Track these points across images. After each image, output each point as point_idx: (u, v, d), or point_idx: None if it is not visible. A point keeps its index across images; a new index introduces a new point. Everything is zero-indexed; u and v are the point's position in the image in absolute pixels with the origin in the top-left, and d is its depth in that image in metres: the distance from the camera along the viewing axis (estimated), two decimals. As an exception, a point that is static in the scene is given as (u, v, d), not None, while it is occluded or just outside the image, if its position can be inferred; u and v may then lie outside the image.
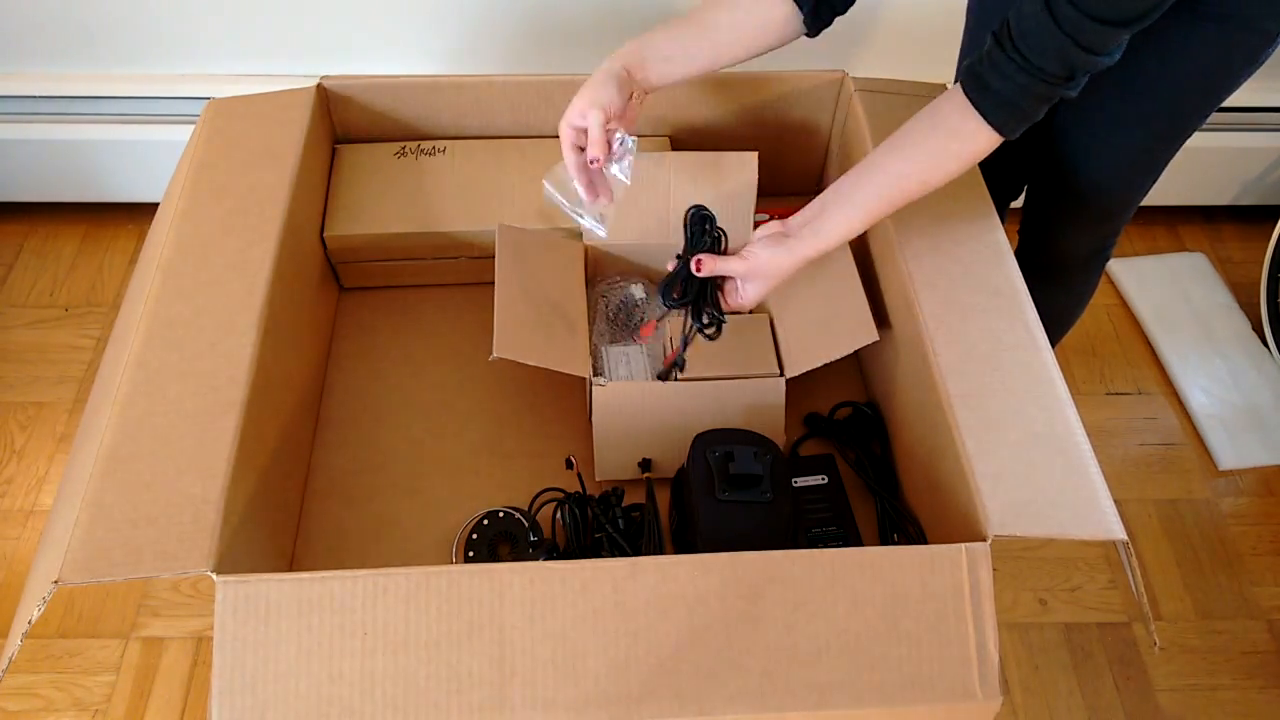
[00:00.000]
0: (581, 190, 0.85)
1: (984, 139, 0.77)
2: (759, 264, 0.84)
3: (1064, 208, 1.11)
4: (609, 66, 0.84)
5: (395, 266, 1.08)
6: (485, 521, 0.89)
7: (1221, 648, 1.32)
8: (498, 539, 0.89)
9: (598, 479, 0.94)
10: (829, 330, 0.93)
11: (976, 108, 0.76)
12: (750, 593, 0.70)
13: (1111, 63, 0.73)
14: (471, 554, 0.88)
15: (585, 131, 0.83)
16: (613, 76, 0.83)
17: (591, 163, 0.82)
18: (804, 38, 0.88)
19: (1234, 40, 0.87)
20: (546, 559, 0.81)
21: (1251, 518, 1.45)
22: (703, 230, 0.87)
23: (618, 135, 0.83)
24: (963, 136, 0.78)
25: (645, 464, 0.93)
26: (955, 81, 1.13)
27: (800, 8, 0.85)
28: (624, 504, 0.89)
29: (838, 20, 0.89)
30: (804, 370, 0.92)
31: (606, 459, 0.93)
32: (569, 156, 0.84)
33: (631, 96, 0.85)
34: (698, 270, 0.85)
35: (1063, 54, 0.71)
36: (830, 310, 0.95)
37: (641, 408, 0.91)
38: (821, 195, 0.84)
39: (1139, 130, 0.96)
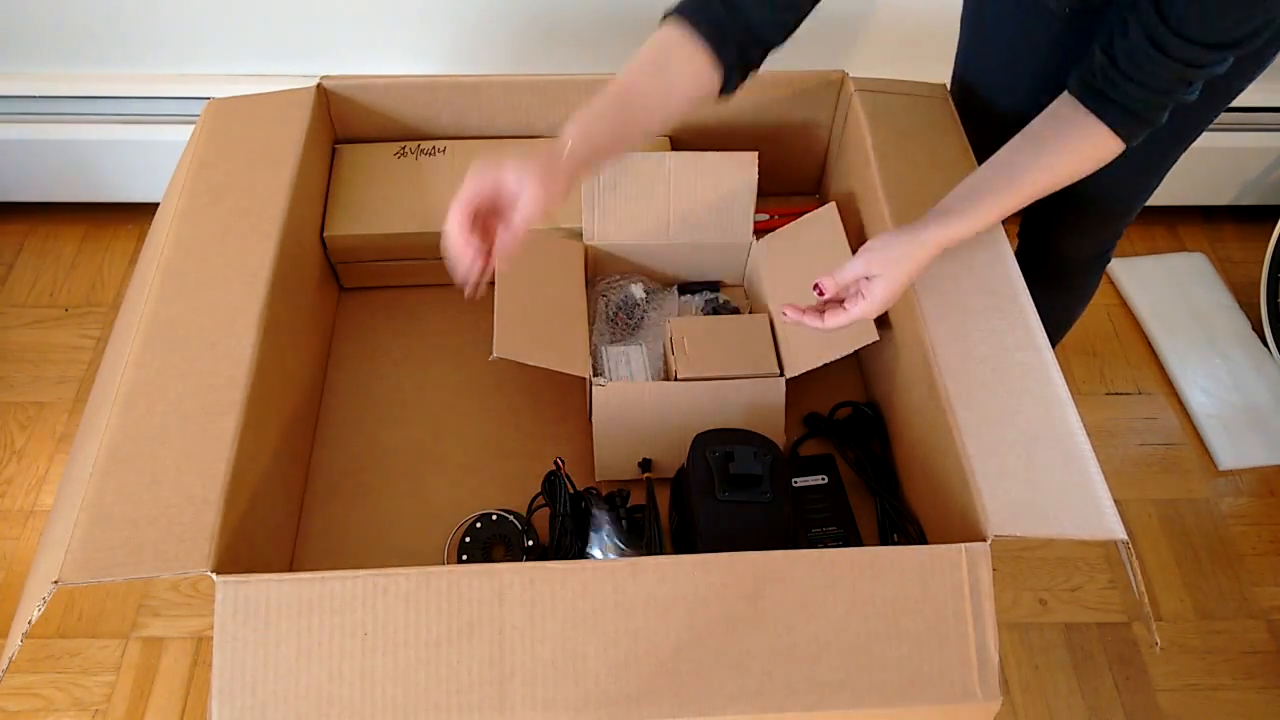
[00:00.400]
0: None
1: (1112, 145, 0.78)
2: (881, 260, 0.79)
3: (1066, 211, 1.10)
4: (560, 150, 0.73)
5: (395, 266, 1.08)
6: (479, 525, 0.89)
7: (1221, 648, 1.32)
8: (492, 542, 0.88)
9: (598, 479, 0.94)
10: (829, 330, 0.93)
11: (1103, 119, 0.77)
12: (750, 593, 0.70)
13: (1225, 69, 0.73)
14: (465, 557, 0.87)
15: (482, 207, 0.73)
16: (562, 166, 0.73)
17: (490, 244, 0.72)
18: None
19: None
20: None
21: (1251, 518, 1.45)
22: None
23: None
24: (1093, 141, 0.78)
25: (645, 464, 0.93)
26: (952, 95, 1.13)
27: (727, 78, 0.79)
28: (627, 505, 0.89)
29: (839, 20, 0.89)
30: (804, 370, 0.92)
31: (606, 459, 0.93)
32: (457, 231, 0.71)
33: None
34: (819, 294, 0.82)
35: (1178, 75, 0.72)
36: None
37: (641, 408, 0.91)
38: (948, 196, 0.81)
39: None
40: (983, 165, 0.81)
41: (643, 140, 0.80)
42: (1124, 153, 1.00)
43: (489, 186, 0.72)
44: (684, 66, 0.78)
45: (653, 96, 0.78)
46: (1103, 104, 0.76)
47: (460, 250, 0.72)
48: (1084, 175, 0.80)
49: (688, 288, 1.09)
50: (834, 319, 0.82)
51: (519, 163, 0.72)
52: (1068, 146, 0.79)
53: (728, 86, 0.80)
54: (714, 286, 1.10)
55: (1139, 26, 0.71)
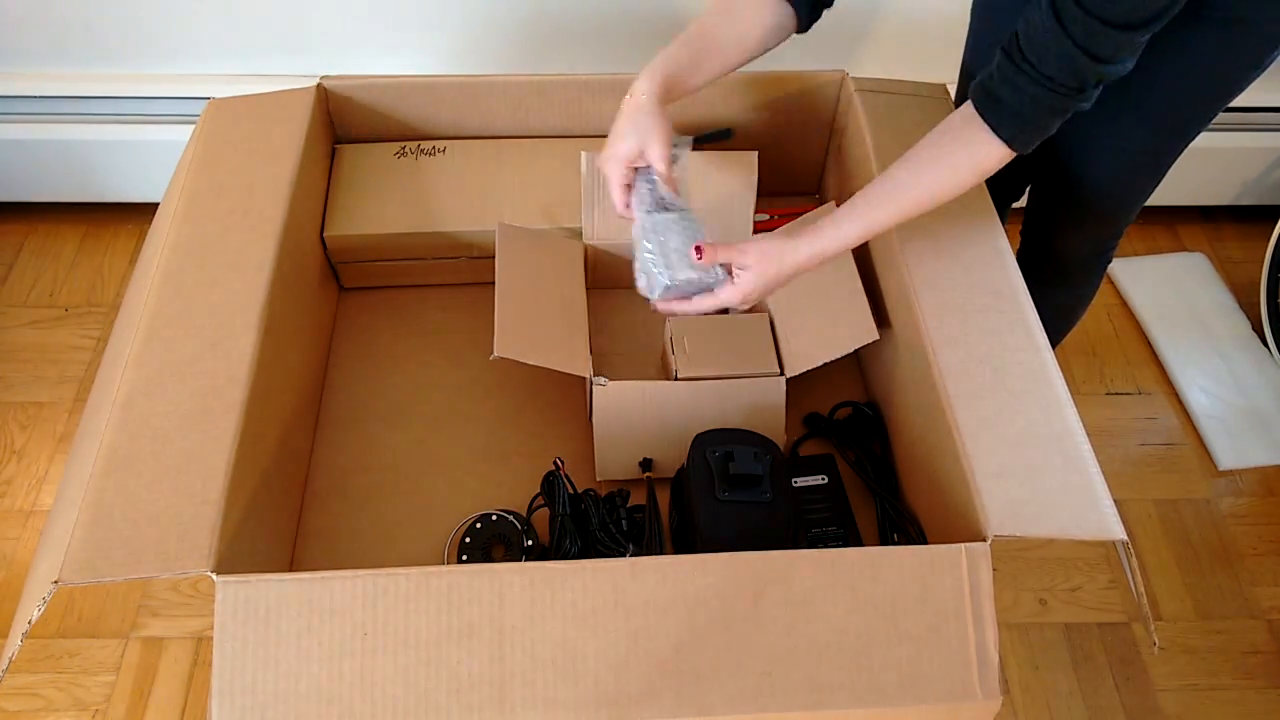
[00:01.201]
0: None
1: (996, 152, 0.77)
2: (754, 255, 0.82)
3: (1066, 210, 1.10)
4: (648, 99, 0.84)
5: (395, 266, 1.08)
6: (479, 525, 0.89)
7: (1221, 648, 1.32)
8: (491, 542, 0.88)
9: (598, 479, 0.94)
10: (829, 330, 0.93)
11: (986, 121, 0.76)
12: (750, 593, 0.70)
13: (1123, 72, 0.72)
14: (465, 558, 0.87)
15: (637, 169, 0.86)
16: (660, 109, 0.84)
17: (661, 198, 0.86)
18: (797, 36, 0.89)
19: (1238, 43, 0.86)
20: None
21: (1251, 518, 1.45)
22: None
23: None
24: (974, 149, 0.77)
25: (646, 464, 0.93)
26: (959, 89, 1.14)
27: (797, 10, 0.86)
28: (627, 505, 0.89)
29: (838, 20, 0.89)
30: (804, 370, 0.92)
31: (607, 459, 0.93)
32: (619, 196, 0.86)
33: None
34: (697, 258, 0.83)
35: (1071, 62, 0.71)
36: (830, 310, 0.95)
37: (642, 408, 0.91)
38: (844, 205, 0.83)
39: (1142, 133, 0.96)
40: (878, 177, 0.82)
41: (722, 73, 0.88)
42: (1117, 153, 1.00)
43: (623, 170, 0.86)
44: (758, 12, 0.86)
45: (729, 40, 0.87)
46: (991, 105, 0.75)
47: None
48: (970, 187, 0.80)
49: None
50: (701, 303, 0.86)
51: (628, 135, 0.84)
52: (951, 161, 0.79)
53: (803, 26, 0.87)
54: None
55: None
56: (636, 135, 0.83)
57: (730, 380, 0.92)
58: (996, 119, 0.75)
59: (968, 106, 0.78)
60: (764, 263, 0.82)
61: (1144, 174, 1.03)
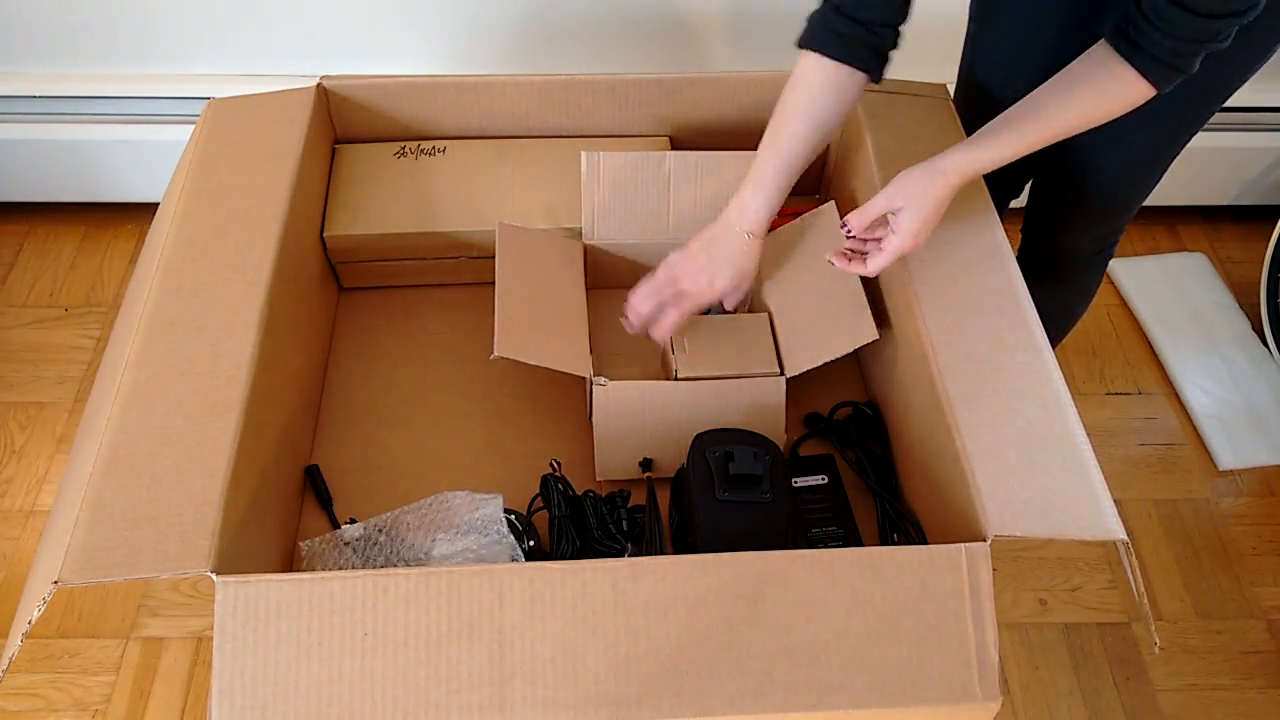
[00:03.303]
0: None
1: (1141, 89, 0.78)
2: (904, 191, 0.81)
3: (1069, 205, 1.10)
4: (741, 240, 0.90)
5: (395, 266, 1.08)
6: (484, 522, 0.89)
7: (1221, 648, 1.32)
8: (497, 539, 0.88)
9: (598, 479, 0.94)
10: (829, 329, 0.93)
11: (1131, 64, 0.77)
12: (750, 593, 0.70)
13: (1257, 13, 0.74)
14: (470, 555, 0.87)
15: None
16: (750, 249, 0.90)
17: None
18: None
19: (1244, 37, 0.87)
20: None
21: (1251, 518, 1.45)
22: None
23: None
24: (1124, 87, 0.78)
25: (646, 463, 0.93)
26: (958, 89, 1.13)
27: (869, 72, 0.85)
28: (627, 505, 0.89)
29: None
30: (804, 369, 0.92)
31: (607, 459, 0.93)
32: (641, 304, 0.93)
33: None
34: (849, 233, 0.84)
35: (1203, 29, 0.73)
36: (830, 309, 0.95)
37: (642, 408, 0.91)
38: (976, 133, 0.83)
39: (1147, 128, 0.96)
40: (1015, 104, 0.82)
41: (809, 160, 0.89)
42: (1122, 147, 1.00)
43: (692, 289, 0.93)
44: (834, 95, 0.85)
45: (816, 135, 0.87)
46: (1135, 52, 0.76)
47: (643, 317, 0.94)
48: (1114, 117, 0.81)
49: None
50: (875, 261, 0.85)
51: (726, 273, 0.92)
52: (1099, 90, 0.79)
53: (877, 78, 0.86)
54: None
55: None
56: (727, 280, 0.92)
57: (730, 380, 0.92)
58: (1145, 65, 0.77)
59: (1108, 49, 0.78)
60: (918, 199, 0.81)
61: (1148, 169, 1.03)
